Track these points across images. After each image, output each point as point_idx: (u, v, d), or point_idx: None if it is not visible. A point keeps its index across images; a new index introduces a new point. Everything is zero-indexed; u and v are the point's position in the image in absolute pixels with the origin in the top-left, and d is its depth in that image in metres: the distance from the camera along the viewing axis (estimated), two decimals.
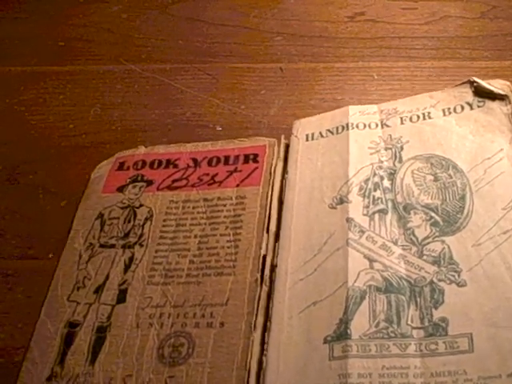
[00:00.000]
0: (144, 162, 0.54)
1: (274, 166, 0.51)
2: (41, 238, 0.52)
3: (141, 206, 0.51)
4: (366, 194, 0.47)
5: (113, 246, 0.49)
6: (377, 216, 0.45)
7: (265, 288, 0.44)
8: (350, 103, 0.57)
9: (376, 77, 0.61)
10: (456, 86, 0.52)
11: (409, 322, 0.39)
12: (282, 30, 0.68)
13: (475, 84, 0.51)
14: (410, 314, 0.40)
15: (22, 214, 0.54)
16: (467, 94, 0.51)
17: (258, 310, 0.43)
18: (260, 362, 0.40)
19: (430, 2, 0.68)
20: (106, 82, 0.65)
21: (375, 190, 0.47)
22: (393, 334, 0.39)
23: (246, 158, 0.53)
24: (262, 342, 0.41)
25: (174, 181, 0.53)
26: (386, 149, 0.49)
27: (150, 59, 0.67)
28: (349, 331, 0.39)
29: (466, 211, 0.44)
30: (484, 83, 0.50)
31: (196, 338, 0.43)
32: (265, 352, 0.40)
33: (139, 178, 0.53)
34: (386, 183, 0.47)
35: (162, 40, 0.69)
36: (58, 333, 0.44)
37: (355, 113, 0.52)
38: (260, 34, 0.68)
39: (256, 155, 0.53)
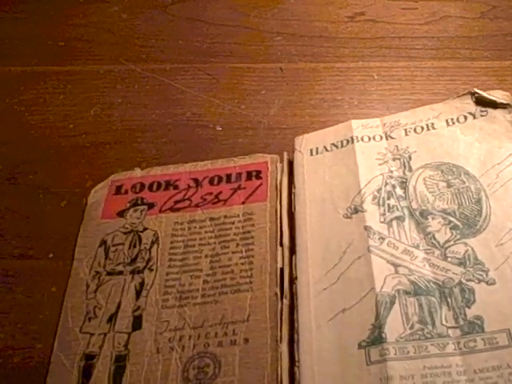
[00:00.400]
0: (142, 185, 0.53)
1: (278, 181, 0.51)
2: (41, 238, 0.52)
3: (145, 229, 0.50)
4: (381, 202, 0.47)
5: (121, 272, 0.48)
6: (394, 223, 0.46)
7: (286, 302, 0.43)
8: (350, 103, 0.57)
9: (376, 77, 0.61)
10: (456, 97, 0.53)
11: (443, 322, 0.40)
12: (282, 29, 0.68)
13: (476, 95, 0.51)
14: (444, 314, 0.40)
15: (22, 214, 0.54)
16: (469, 104, 0.52)
17: (281, 323, 0.42)
18: (291, 375, 0.40)
19: (430, 1, 0.68)
20: (106, 82, 0.65)
21: (389, 199, 0.47)
22: (429, 335, 0.39)
23: (249, 175, 0.52)
24: (290, 355, 0.41)
25: (176, 202, 0.51)
26: (394, 159, 0.50)
27: (150, 59, 0.67)
28: (383, 335, 0.39)
29: (484, 214, 0.45)
30: (485, 94, 0.51)
31: (221, 356, 0.42)
32: (296, 363, 0.40)
33: (139, 202, 0.52)
34: (399, 191, 0.47)
35: (162, 40, 0.69)
36: (75, 366, 0.43)
37: (358, 126, 0.53)
38: (260, 34, 0.68)
39: (259, 172, 0.52)
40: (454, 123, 0.51)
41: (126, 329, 0.44)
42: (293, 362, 0.41)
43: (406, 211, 0.46)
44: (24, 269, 0.50)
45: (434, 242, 0.44)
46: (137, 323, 0.45)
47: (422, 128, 0.51)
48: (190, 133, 0.58)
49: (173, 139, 0.58)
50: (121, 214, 0.51)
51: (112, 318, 0.45)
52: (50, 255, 0.51)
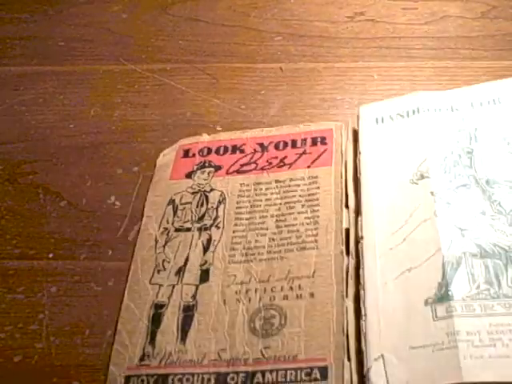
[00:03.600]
0: (209, 149, 0.55)
1: (344, 147, 0.52)
2: (41, 238, 0.52)
3: (212, 190, 0.52)
4: (447, 170, 0.47)
5: (189, 229, 0.49)
6: (461, 190, 0.46)
7: (352, 260, 0.44)
8: (350, 103, 0.57)
9: (376, 77, 0.61)
10: None
11: (510, 284, 0.40)
12: (282, 29, 0.68)
13: None
14: (510, 276, 0.40)
15: (22, 214, 0.54)
16: None
17: (347, 279, 0.43)
18: (357, 328, 0.41)
19: (429, 1, 0.68)
20: (106, 82, 0.65)
21: (455, 167, 0.48)
22: (495, 295, 0.39)
23: (314, 141, 0.53)
24: (356, 311, 0.42)
25: (242, 165, 0.53)
26: (459, 130, 0.50)
27: (150, 59, 0.67)
28: (450, 293, 0.40)
29: None
30: None
31: (287, 309, 0.43)
32: (363, 317, 0.41)
33: (207, 164, 0.54)
34: (465, 161, 0.48)
35: (162, 40, 0.69)
36: (145, 314, 0.45)
37: (424, 97, 0.53)
38: (260, 34, 0.68)
39: (324, 138, 0.53)
40: None
41: (193, 281, 0.46)
42: (358, 316, 0.41)
43: (472, 180, 0.46)
44: (24, 269, 0.50)
45: (500, 208, 0.44)
46: (204, 276, 0.47)
47: (488, 102, 0.52)
48: (190, 133, 0.58)
49: (173, 139, 0.58)
50: (189, 175, 0.53)
51: (180, 271, 0.47)
52: (50, 255, 0.51)
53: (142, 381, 0.42)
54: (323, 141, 0.53)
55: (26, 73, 0.67)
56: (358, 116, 0.54)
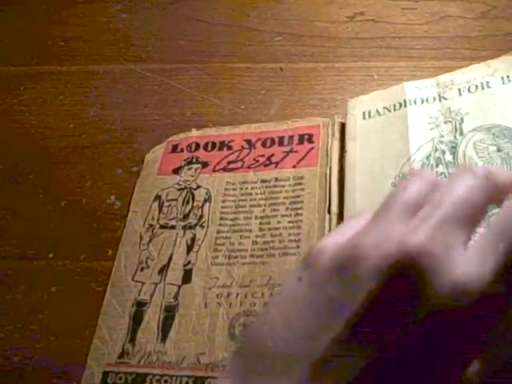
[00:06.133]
0: (197, 145, 0.55)
1: (329, 145, 0.52)
2: (41, 238, 0.52)
3: (198, 187, 0.52)
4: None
5: (173, 227, 0.50)
6: None
7: None
8: None
9: (376, 77, 0.61)
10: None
11: None
12: (282, 29, 0.68)
13: None
14: None
15: (21, 214, 0.54)
16: None
17: None
18: None
19: (430, 1, 0.68)
20: (106, 82, 0.65)
21: (437, 166, 0.47)
22: None
23: (301, 139, 0.53)
24: None
25: (229, 162, 0.53)
26: (445, 122, 0.49)
27: (150, 59, 0.67)
28: None
29: None
30: None
31: None
32: None
33: (194, 160, 0.54)
34: (448, 157, 0.47)
35: (162, 40, 0.69)
36: (126, 311, 0.45)
37: (412, 88, 0.53)
38: (260, 34, 0.68)
39: (311, 135, 0.53)
40: (510, 81, 0.49)
41: (176, 281, 0.47)
42: None
43: None
44: (24, 269, 0.50)
45: None
46: (187, 277, 0.47)
47: (477, 87, 0.50)
48: None
49: None
50: (176, 171, 0.54)
51: (163, 270, 0.47)
52: (50, 255, 0.51)
53: (120, 378, 0.42)
54: (310, 139, 0.53)
55: (26, 73, 0.67)
56: (346, 112, 0.53)
